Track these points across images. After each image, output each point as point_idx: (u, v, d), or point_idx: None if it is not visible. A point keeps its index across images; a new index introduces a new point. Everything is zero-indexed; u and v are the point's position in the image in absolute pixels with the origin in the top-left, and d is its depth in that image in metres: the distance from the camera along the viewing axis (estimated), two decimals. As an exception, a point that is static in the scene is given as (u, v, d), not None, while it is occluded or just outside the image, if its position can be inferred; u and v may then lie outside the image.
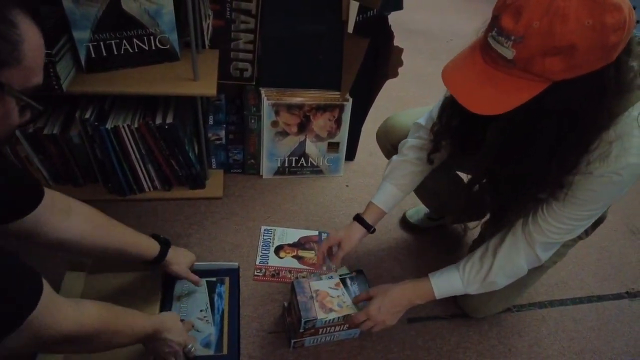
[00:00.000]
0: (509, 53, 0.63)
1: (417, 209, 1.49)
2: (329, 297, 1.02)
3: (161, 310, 1.07)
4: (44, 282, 0.59)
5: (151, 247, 0.99)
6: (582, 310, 1.35)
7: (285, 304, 1.12)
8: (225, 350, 1.03)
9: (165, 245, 1.02)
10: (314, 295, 1.02)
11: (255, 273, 1.25)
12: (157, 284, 1.11)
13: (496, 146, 0.85)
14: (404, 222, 1.48)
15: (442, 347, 1.17)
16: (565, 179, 0.78)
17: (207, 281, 1.15)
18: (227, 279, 1.18)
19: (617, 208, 1.75)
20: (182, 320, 0.96)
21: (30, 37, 0.50)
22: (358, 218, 1.09)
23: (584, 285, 1.43)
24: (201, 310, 1.10)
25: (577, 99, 0.67)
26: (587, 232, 1.10)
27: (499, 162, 0.83)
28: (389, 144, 1.18)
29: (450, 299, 1.25)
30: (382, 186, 1.09)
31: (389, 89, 1.49)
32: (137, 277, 1.11)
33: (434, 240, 1.46)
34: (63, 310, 0.63)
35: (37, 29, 0.52)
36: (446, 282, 0.99)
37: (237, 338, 1.07)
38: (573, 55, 0.60)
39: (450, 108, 0.93)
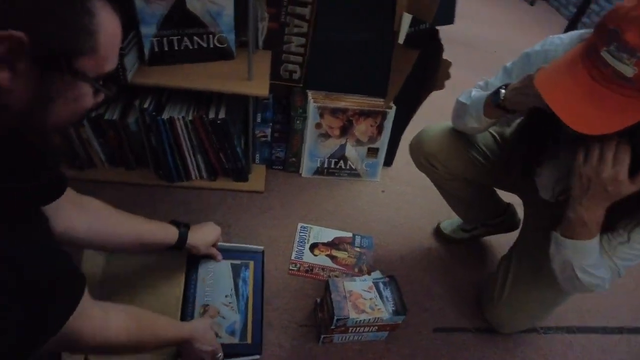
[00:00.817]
0: (629, 71, 0.60)
1: (451, 221, 1.50)
2: (362, 299, 1.06)
3: (185, 292, 1.06)
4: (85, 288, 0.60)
5: (169, 234, 0.98)
6: (612, 340, 1.33)
7: (318, 300, 1.16)
8: (249, 339, 1.05)
9: (184, 229, 1.00)
10: (347, 295, 1.06)
11: (290, 267, 1.30)
12: (182, 263, 1.10)
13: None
14: (438, 233, 1.50)
15: (465, 359, 1.19)
16: None
17: (232, 264, 1.15)
18: (251, 264, 1.17)
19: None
20: (206, 308, 1.01)
21: (107, 26, 0.51)
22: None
23: (617, 315, 1.41)
24: (226, 296, 1.10)
25: None
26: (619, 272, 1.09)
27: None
28: (422, 155, 1.20)
29: (477, 311, 1.27)
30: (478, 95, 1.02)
31: (431, 99, 1.51)
32: (159, 258, 1.07)
33: (464, 253, 1.47)
34: (92, 321, 0.63)
35: (116, 18, 0.53)
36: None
37: (261, 328, 1.08)
38: None
39: (532, 131, 0.92)
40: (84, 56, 0.50)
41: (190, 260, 1.11)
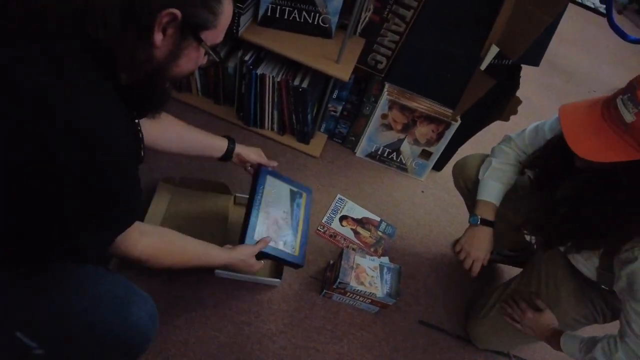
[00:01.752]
0: (628, 117, 0.77)
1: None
2: (365, 274, 1.26)
3: (251, 198, 1.21)
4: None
5: (221, 143, 1.20)
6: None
7: (331, 262, 1.38)
8: (297, 252, 1.23)
9: (232, 142, 1.22)
10: (354, 266, 1.26)
11: (319, 228, 1.52)
12: (227, 206, 1.41)
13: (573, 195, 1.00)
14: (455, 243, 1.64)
15: (436, 356, 1.37)
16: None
17: (290, 189, 1.32)
18: (304, 195, 1.35)
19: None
20: (267, 216, 1.19)
21: (227, 9, 0.69)
22: (486, 222, 1.21)
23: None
24: (284, 211, 1.27)
25: None
26: (605, 318, 1.19)
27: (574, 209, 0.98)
28: (461, 177, 1.33)
29: (462, 321, 1.43)
30: (489, 185, 1.22)
31: (503, 124, 1.59)
32: (213, 197, 1.42)
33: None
34: (126, 239, 0.77)
35: (232, 5, 0.71)
36: (572, 345, 1.09)
37: (305, 245, 1.26)
38: None
39: (556, 148, 1.06)
40: (208, 30, 0.68)
41: (259, 175, 1.26)
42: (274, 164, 1.30)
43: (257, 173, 1.28)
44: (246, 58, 1.48)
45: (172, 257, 0.92)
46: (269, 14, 1.42)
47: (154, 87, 0.72)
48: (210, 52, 0.72)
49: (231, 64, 1.55)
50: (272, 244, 1.16)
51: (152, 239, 0.85)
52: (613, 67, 3.17)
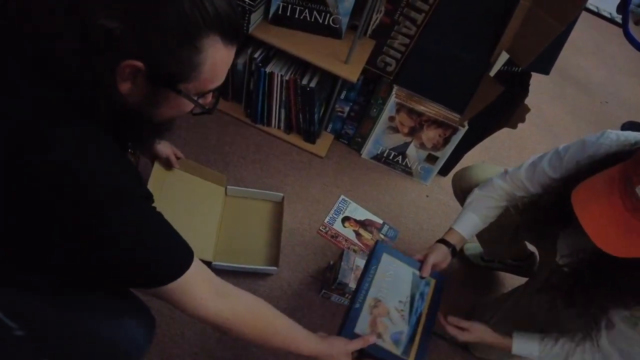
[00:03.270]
0: None
1: (476, 245, 1.62)
2: (364, 276, 1.25)
3: (361, 280, 1.06)
4: (196, 260, 0.69)
5: None
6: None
7: (331, 262, 1.38)
8: (412, 358, 1.00)
9: None
10: (354, 268, 1.26)
11: (320, 228, 1.52)
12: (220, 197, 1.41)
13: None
14: (460, 251, 1.62)
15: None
16: None
17: (413, 273, 1.11)
18: (432, 282, 1.13)
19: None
20: (377, 303, 1.00)
21: (215, 58, 0.61)
22: (441, 240, 1.17)
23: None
24: (400, 301, 1.05)
25: None
26: None
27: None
28: (459, 188, 1.32)
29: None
30: (465, 215, 1.16)
31: (512, 132, 1.57)
32: (207, 186, 1.40)
33: (476, 276, 1.60)
34: (195, 296, 0.69)
35: (225, 49, 0.61)
36: (525, 344, 1.08)
37: (426, 350, 1.02)
38: None
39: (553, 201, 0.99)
40: (187, 81, 0.61)
41: (374, 251, 1.11)
42: (176, 162, 1.28)
43: (373, 249, 1.11)
44: (255, 55, 1.49)
45: (255, 331, 0.79)
46: (279, 13, 1.43)
47: (140, 127, 0.69)
48: (195, 102, 0.65)
49: (240, 60, 1.56)
50: (379, 342, 0.96)
51: (232, 304, 0.76)
52: (627, 78, 3.13)
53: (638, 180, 0.70)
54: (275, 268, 1.32)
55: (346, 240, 1.52)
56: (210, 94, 0.70)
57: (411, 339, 1.01)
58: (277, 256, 1.34)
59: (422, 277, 1.11)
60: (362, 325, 0.98)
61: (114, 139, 0.62)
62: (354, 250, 1.50)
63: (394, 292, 1.05)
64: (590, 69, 3.01)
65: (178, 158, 1.32)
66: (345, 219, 1.57)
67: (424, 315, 1.06)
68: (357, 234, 1.55)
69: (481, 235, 1.48)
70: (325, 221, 1.54)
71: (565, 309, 1.01)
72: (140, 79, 0.59)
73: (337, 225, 1.54)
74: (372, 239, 1.55)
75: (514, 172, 1.13)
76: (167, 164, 1.30)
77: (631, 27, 2.81)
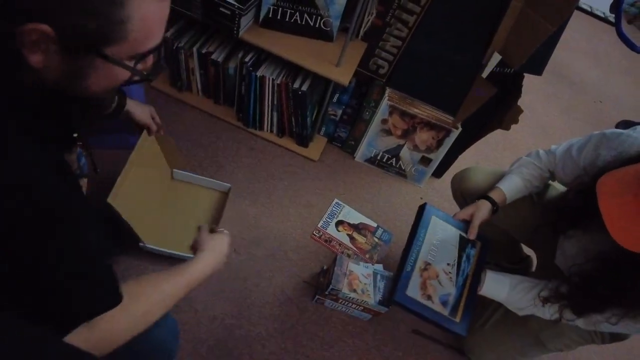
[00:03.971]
0: None
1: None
2: (358, 281, 1.24)
3: (409, 244, 1.10)
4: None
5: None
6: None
7: (324, 267, 1.36)
8: (458, 318, 1.05)
9: (123, 98, 1.05)
10: (347, 273, 1.25)
11: (314, 233, 1.50)
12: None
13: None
14: None
15: (429, 364, 1.35)
16: None
17: (460, 235, 1.15)
18: (478, 244, 1.17)
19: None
20: (427, 267, 1.06)
21: (141, 13, 0.51)
22: (486, 197, 1.15)
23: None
24: (448, 264, 1.10)
25: None
26: (603, 339, 1.17)
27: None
28: (459, 190, 1.31)
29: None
30: (510, 177, 1.15)
31: (507, 134, 1.56)
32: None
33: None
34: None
35: (156, 3, 0.53)
36: (495, 287, 1.12)
37: (472, 311, 1.07)
38: None
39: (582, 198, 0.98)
40: (113, 44, 0.52)
41: (422, 215, 1.16)
42: (155, 129, 1.18)
43: (421, 211, 1.14)
44: (246, 59, 1.48)
45: (159, 309, 0.68)
46: (270, 16, 1.41)
47: (68, 109, 0.60)
48: (130, 68, 0.56)
49: (232, 64, 1.54)
50: (429, 303, 1.03)
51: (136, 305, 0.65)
52: (621, 77, 3.13)
53: None
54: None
55: (340, 245, 1.50)
56: (150, 57, 0.60)
57: (458, 301, 1.07)
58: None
59: (469, 240, 1.14)
60: (413, 287, 1.04)
61: (38, 131, 0.52)
62: (348, 255, 1.48)
63: (442, 255, 1.10)
64: (584, 69, 3.01)
65: (159, 129, 1.22)
66: (339, 223, 1.56)
67: (470, 276, 1.10)
68: (351, 238, 1.53)
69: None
70: (319, 225, 1.53)
71: (577, 317, 1.01)
72: (52, 46, 0.49)
73: (331, 230, 1.53)
74: (365, 243, 1.54)
75: (547, 154, 1.14)
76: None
77: (624, 26, 2.80)
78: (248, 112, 1.61)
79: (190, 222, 1.36)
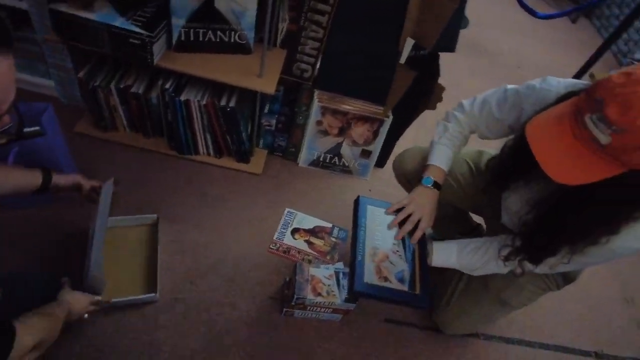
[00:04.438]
0: (604, 139, 0.70)
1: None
2: (321, 284, 1.24)
3: (355, 235, 1.15)
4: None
5: (35, 176, 1.09)
6: (545, 356, 1.48)
7: (287, 279, 1.35)
8: (417, 290, 1.10)
9: (47, 173, 1.11)
10: (309, 278, 1.24)
11: (271, 246, 1.48)
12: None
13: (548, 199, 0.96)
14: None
15: (407, 350, 1.36)
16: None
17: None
18: None
19: (618, 274, 1.83)
20: (376, 251, 1.09)
21: None
22: (437, 185, 1.17)
23: (557, 334, 1.55)
24: (394, 244, 1.15)
25: None
26: (558, 285, 1.23)
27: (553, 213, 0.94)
28: (400, 172, 1.34)
29: (428, 312, 1.44)
30: (437, 149, 1.19)
31: (440, 107, 1.60)
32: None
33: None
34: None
35: None
36: (444, 255, 1.18)
37: (428, 279, 1.10)
38: None
39: (515, 153, 1.01)
40: None
41: (358, 207, 1.20)
42: (96, 183, 1.22)
43: (357, 204, 1.18)
44: (167, 86, 1.44)
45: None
46: (182, 39, 1.38)
47: None
48: None
49: (153, 94, 1.50)
50: (387, 284, 1.07)
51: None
52: (532, 42, 3.34)
53: (587, 110, 0.73)
54: (154, 295, 1.23)
55: (299, 252, 1.49)
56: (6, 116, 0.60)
57: (412, 274, 1.12)
58: (155, 281, 1.26)
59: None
60: (369, 274, 1.08)
61: None
62: (309, 261, 1.47)
63: (386, 237, 1.15)
64: (499, 39, 3.18)
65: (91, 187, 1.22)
66: (295, 231, 1.55)
67: (417, 248, 1.16)
68: (309, 243, 1.53)
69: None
70: (275, 238, 1.51)
71: (535, 266, 1.05)
72: None
73: (288, 239, 1.52)
74: (324, 245, 1.54)
75: (469, 108, 1.17)
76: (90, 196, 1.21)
77: (524, -5, 3.01)
78: (180, 139, 1.57)
79: (130, 263, 1.31)
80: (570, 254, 0.96)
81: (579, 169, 0.76)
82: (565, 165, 0.77)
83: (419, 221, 1.16)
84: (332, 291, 1.23)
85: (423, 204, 1.16)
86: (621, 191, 0.78)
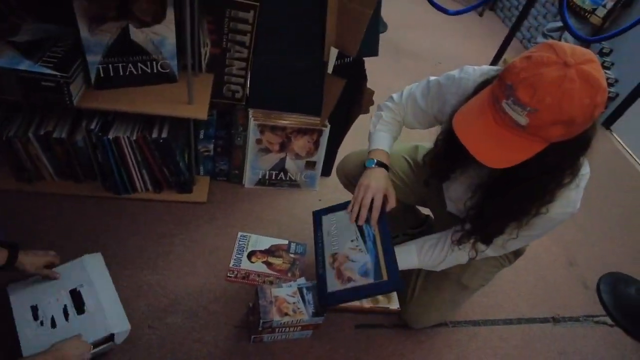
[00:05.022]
0: (523, 120, 0.76)
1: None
2: (286, 303, 1.21)
3: (315, 248, 1.16)
4: None
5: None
6: (510, 330, 1.55)
7: (250, 305, 1.31)
8: (385, 276, 1.05)
9: (13, 249, 1.04)
10: (273, 300, 1.21)
11: (228, 275, 1.43)
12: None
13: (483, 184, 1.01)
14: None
15: (381, 352, 1.37)
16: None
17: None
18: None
19: (560, 240, 1.96)
20: (335, 257, 1.09)
21: None
22: (382, 164, 1.16)
23: (517, 308, 1.63)
24: (352, 240, 1.13)
25: (566, 154, 0.84)
26: (510, 260, 1.30)
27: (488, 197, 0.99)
28: (344, 176, 1.37)
29: (395, 314, 1.45)
30: (377, 135, 1.21)
31: (373, 110, 1.63)
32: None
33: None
34: None
35: None
36: (405, 258, 1.18)
37: (395, 261, 1.06)
38: (572, 125, 0.76)
39: (448, 145, 1.05)
40: None
41: (315, 222, 1.19)
42: (57, 277, 1.15)
43: (314, 219, 1.21)
44: (92, 127, 1.36)
45: None
46: (102, 75, 1.32)
47: None
48: None
49: (79, 137, 1.41)
50: (351, 284, 1.04)
51: None
52: (448, 38, 3.55)
53: (502, 96, 0.78)
54: (111, 343, 1.12)
55: (259, 276, 1.46)
56: None
57: (377, 262, 1.07)
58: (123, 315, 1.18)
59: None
60: (331, 282, 1.06)
61: None
62: (270, 282, 1.44)
63: (343, 238, 1.13)
64: (418, 39, 3.34)
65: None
66: (251, 254, 1.51)
67: (377, 234, 1.11)
68: (268, 264, 1.50)
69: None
70: (231, 265, 1.46)
71: (487, 246, 1.09)
72: None
73: (245, 264, 1.48)
74: (283, 263, 1.51)
75: (398, 99, 1.22)
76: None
77: (433, -5, 3.19)
78: (115, 179, 1.49)
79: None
80: (517, 229, 1.01)
81: (507, 151, 0.81)
82: (494, 150, 0.82)
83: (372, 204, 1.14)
84: (299, 308, 1.21)
85: (370, 184, 1.13)
86: (547, 163, 0.84)
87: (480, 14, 4.27)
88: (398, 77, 2.80)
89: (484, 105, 0.84)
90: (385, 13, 3.47)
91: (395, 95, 1.24)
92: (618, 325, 1.68)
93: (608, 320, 1.69)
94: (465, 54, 3.37)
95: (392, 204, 1.15)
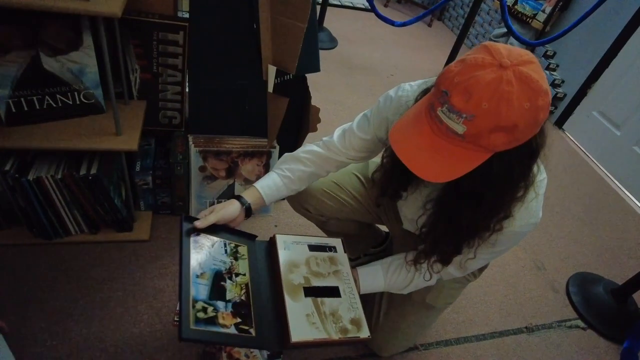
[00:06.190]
0: (460, 129, 0.69)
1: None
2: (237, 348, 1.09)
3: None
4: None
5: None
6: (484, 346, 1.48)
7: (200, 351, 1.18)
8: (254, 332, 0.91)
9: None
10: (222, 346, 1.09)
11: (175, 319, 1.30)
12: None
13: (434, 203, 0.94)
14: None
15: (349, 386, 1.26)
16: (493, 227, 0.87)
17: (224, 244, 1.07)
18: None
19: (526, 246, 1.92)
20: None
21: None
22: (237, 196, 1.08)
23: (489, 321, 1.56)
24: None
25: (514, 164, 0.75)
26: (475, 275, 1.24)
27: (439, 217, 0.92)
28: (296, 202, 1.27)
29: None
30: (268, 175, 1.10)
31: (326, 123, 1.56)
32: None
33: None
34: None
35: None
36: (371, 281, 1.12)
37: (273, 318, 0.95)
38: (514, 131, 0.68)
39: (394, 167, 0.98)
40: None
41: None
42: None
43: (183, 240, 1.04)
44: (7, 168, 1.22)
45: None
46: (14, 111, 1.19)
47: None
48: None
49: (-6, 180, 1.26)
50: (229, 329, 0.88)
51: None
52: (398, 50, 3.57)
53: (438, 104, 0.71)
54: None
55: (210, 315, 1.33)
56: None
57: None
58: None
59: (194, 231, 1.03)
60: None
61: None
62: (223, 321, 1.31)
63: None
64: (368, 53, 3.33)
65: None
66: (200, 293, 1.38)
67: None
68: (220, 302, 1.37)
69: (338, 234, 1.44)
70: (177, 308, 1.32)
71: (445, 265, 1.02)
72: None
73: (194, 305, 1.34)
74: (237, 299, 1.39)
75: (329, 141, 1.11)
76: None
77: (380, 9, 3.20)
78: (42, 224, 1.34)
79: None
80: (475, 247, 0.94)
81: (447, 164, 0.74)
82: (432, 163, 0.75)
83: None
84: (252, 352, 1.09)
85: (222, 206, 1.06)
86: (494, 174, 0.76)
87: (429, 25, 4.34)
88: (351, 92, 2.76)
89: (420, 115, 0.77)
90: (334, 29, 3.49)
91: (326, 139, 1.13)
92: (590, 327, 1.64)
93: (580, 323, 1.65)
94: (417, 65, 3.39)
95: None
